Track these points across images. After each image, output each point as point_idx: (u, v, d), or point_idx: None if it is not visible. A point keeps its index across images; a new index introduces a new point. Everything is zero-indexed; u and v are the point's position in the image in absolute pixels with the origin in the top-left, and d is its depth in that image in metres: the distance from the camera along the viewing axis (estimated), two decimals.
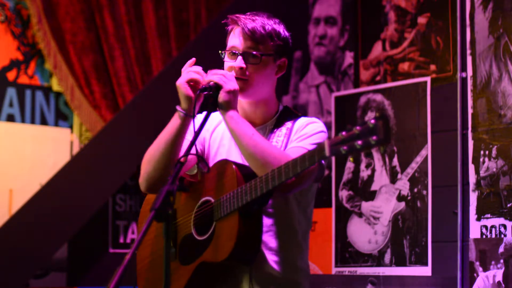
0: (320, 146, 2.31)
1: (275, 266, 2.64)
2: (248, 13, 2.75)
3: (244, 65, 2.66)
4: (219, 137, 2.77)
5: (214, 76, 2.59)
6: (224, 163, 2.62)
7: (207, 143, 2.79)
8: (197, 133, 2.51)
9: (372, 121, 2.17)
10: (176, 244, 2.67)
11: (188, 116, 2.59)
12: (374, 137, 2.16)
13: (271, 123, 2.75)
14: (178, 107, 2.62)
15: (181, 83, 2.60)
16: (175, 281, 2.60)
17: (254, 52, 2.67)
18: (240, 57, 2.67)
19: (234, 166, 2.57)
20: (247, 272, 2.62)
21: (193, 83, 2.61)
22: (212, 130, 2.80)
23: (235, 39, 2.69)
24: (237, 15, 2.73)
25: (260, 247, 2.58)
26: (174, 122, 2.62)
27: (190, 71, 2.63)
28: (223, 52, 2.73)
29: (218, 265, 2.56)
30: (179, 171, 2.38)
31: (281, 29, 2.75)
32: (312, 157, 2.35)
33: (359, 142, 2.19)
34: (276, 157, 2.53)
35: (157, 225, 2.75)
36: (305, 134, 2.68)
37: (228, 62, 2.70)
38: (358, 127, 2.21)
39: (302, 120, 2.74)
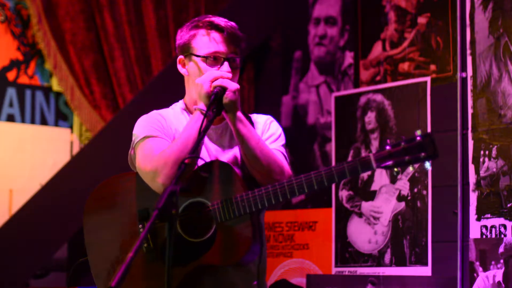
0: (364, 160, 2.40)
1: (253, 266, 2.67)
2: (211, 16, 2.74)
3: (230, 70, 2.67)
4: None
5: (215, 82, 2.60)
6: (220, 165, 2.60)
7: None
8: (202, 136, 2.51)
9: (418, 137, 2.32)
10: (156, 244, 2.63)
11: (208, 115, 2.58)
12: (423, 154, 2.32)
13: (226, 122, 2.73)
14: (198, 107, 2.61)
15: (205, 81, 2.61)
16: (160, 282, 2.53)
17: (236, 57, 2.69)
18: (226, 63, 2.67)
19: (237, 170, 2.57)
20: (251, 277, 2.62)
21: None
22: (175, 129, 2.76)
23: (216, 44, 2.67)
24: (211, 19, 2.71)
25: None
26: (197, 121, 2.59)
27: (215, 72, 2.63)
28: (204, 56, 2.68)
29: (219, 269, 2.56)
30: (183, 172, 2.37)
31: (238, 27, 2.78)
32: (355, 170, 2.43)
33: (407, 157, 2.34)
34: (279, 164, 2.60)
35: (126, 223, 2.71)
36: (273, 134, 2.75)
37: (210, 67, 2.67)
38: (403, 143, 2.34)
39: (261, 119, 2.78)
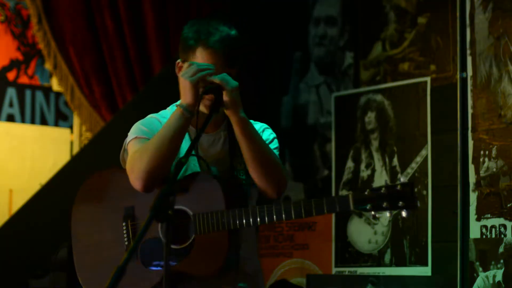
0: (343, 199, 2.40)
1: (247, 265, 2.69)
2: (208, 19, 2.69)
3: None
4: None
5: (215, 77, 2.56)
6: (207, 179, 2.60)
7: None
8: (199, 135, 2.50)
9: (399, 186, 2.32)
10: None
11: (191, 116, 2.56)
12: (401, 203, 2.32)
13: (223, 128, 2.74)
14: (182, 106, 2.58)
15: (193, 80, 2.56)
16: (138, 282, 2.58)
17: (229, 69, 2.61)
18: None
19: (221, 189, 2.56)
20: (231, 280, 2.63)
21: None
22: None
23: (207, 55, 2.60)
24: (204, 28, 2.64)
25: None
26: (178, 121, 2.57)
27: (202, 69, 2.58)
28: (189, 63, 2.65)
29: (195, 276, 2.57)
30: (179, 171, 2.37)
31: (240, 38, 2.70)
32: (333, 207, 2.43)
33: (385, 203, 2.34)
34: (277, 167, 2.61)
35: (112, 218, 2.72)
36: (266, 140, 2.73)
37: None
38: (384, 188, 2.35)
39: (256, 126, 2.74)
